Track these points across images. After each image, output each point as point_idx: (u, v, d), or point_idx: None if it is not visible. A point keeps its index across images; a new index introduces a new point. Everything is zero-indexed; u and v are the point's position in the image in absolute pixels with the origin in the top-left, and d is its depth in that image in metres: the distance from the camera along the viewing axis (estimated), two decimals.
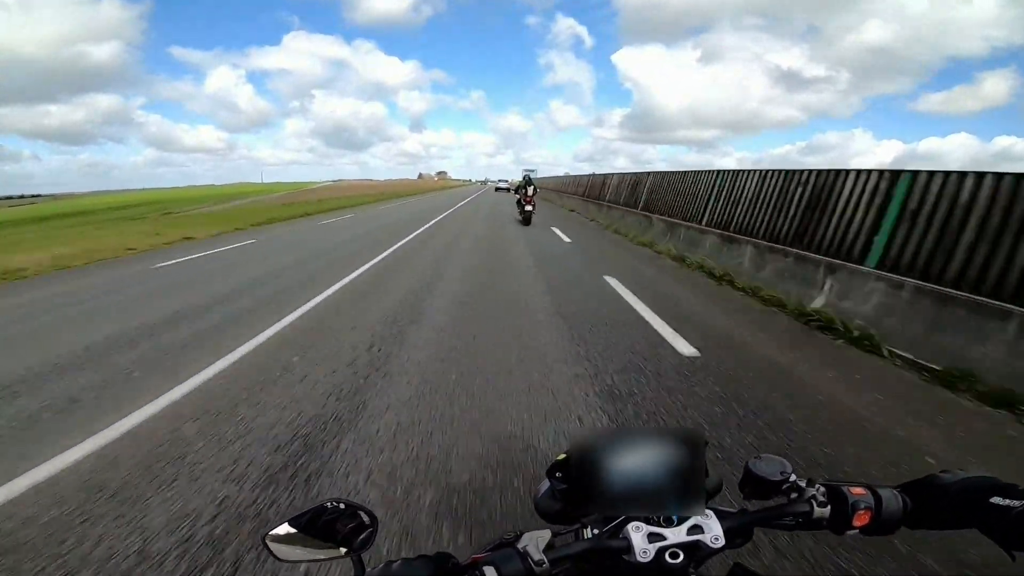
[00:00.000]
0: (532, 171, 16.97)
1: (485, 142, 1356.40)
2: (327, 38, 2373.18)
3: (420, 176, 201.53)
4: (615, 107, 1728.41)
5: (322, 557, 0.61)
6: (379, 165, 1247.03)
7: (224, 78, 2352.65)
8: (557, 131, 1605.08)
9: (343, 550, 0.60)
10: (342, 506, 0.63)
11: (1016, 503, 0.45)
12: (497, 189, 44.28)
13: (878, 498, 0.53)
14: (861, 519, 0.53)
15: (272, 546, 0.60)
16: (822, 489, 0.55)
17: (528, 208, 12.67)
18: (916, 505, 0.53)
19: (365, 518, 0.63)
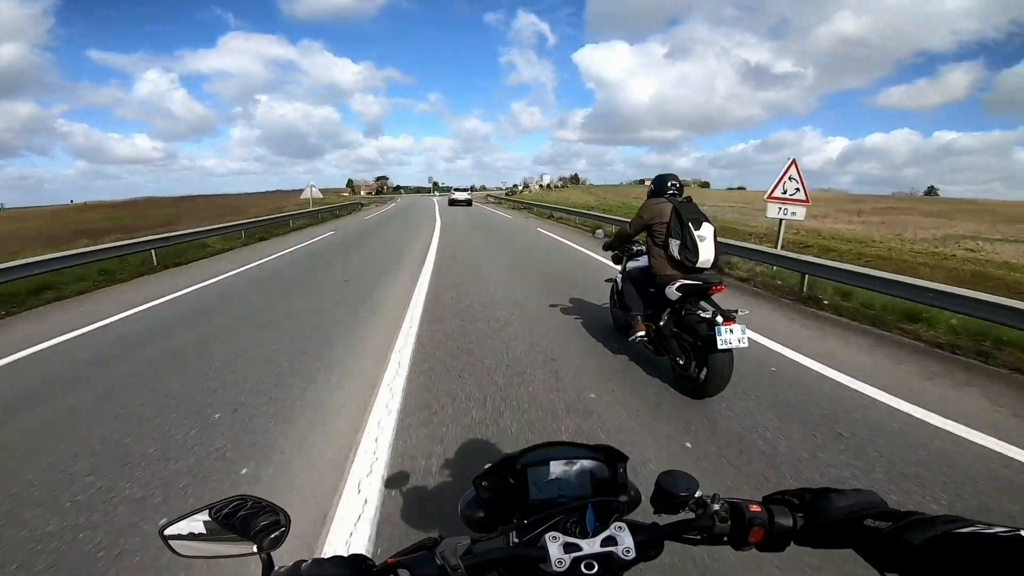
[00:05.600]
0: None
1: (445, 146, 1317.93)
2: (267, 38, 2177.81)
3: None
4: (579, 108, 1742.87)
5: (229, 553, 0.61)
6: (334, 173, 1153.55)
7: (155, 83, 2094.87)
8: (520, 133, 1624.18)
9: (254, 547, 0.60)
10: (256, 502, 0.64)
11: (885, 525, 0.49)
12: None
13: (771, 516, 0.57)
14: (756, 535, 0.57)
15: (173, 542, 0.60)
16: (725, 505, 0.59)
17: None
18: (806, 523, 0.56)
19: (278, 516, 0.63)
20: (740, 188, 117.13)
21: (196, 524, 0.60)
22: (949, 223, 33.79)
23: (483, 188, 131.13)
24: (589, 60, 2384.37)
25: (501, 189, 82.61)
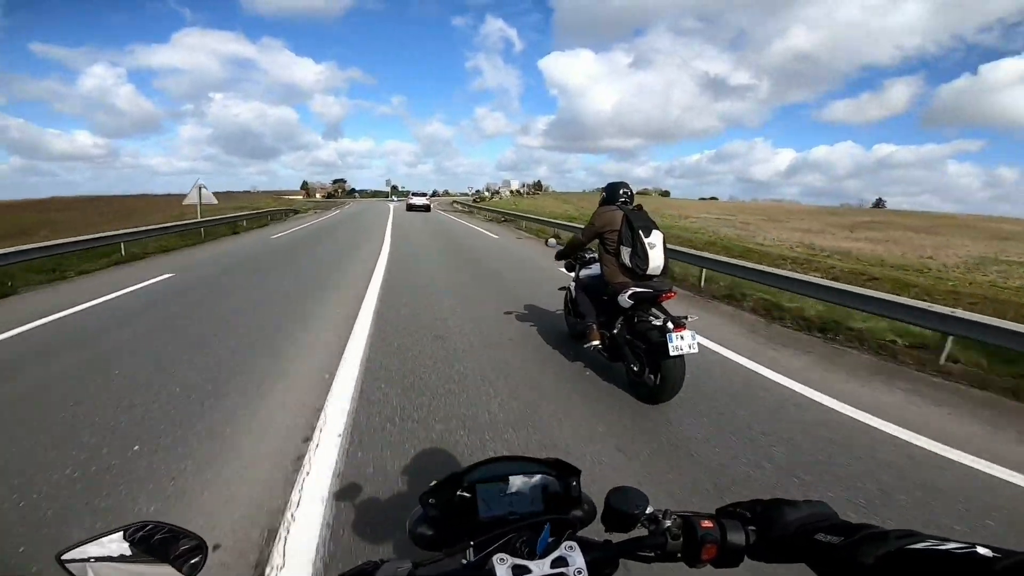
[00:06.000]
0: None
1: (406, 150, 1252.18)
2: (226, 34, 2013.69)
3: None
4: (542, 114, 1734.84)
5: None
6: (289, 175, 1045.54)
7: (100, 77, 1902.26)
8: (482, 139, 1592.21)
9: (174, 572, 0.56)
10: (172, 528, 0.60)
11: (837, 539, 0.48)
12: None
13: (723, 531, 0.56)
14: (709, 552, 0.55)
15: (74, 565, 0.52)
16: (677, 520, 0.58)
17: None
18: (758, 537, 0.55)
19: (197, 541, 0.60)
20: (712, 198, 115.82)
21: (106, 547, 0.54)
22: (947, 240, 31.58)
23: (446, 193, 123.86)
24: (554, 67, 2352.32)
25: (467, 195, 76.79)
